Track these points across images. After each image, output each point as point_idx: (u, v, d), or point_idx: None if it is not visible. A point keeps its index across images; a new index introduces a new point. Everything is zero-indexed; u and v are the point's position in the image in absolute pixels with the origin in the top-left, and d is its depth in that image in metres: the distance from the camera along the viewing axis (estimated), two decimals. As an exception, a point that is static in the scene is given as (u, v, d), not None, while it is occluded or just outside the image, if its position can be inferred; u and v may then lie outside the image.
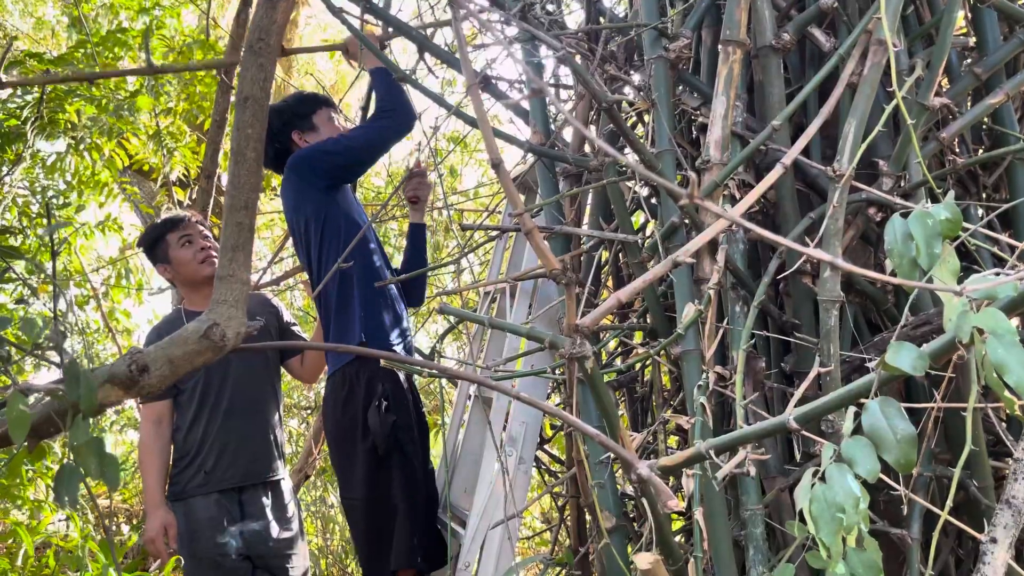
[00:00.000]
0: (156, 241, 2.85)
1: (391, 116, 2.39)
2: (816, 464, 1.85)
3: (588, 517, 2.43)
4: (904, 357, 0.91)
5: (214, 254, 2.80)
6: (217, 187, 4.53)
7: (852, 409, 0.93)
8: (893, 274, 1.00)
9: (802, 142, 1.73)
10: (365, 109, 2.88)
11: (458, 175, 7.63)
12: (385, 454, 2.35)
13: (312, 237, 2.45)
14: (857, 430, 0.95)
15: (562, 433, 2.78)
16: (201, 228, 2.88)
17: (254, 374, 2.78)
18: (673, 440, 2.31)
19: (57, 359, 0.90)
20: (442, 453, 2.73)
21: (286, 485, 2.84)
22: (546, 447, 2.85)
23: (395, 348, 2.43)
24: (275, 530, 2.71)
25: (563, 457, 3.14)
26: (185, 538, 2.66)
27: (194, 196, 5.07)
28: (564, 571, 2.33)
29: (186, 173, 5.14)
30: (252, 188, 0.96)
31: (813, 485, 0.89)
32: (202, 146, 5.17)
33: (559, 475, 3.18)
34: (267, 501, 2.73)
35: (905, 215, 1.00)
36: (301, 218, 2.49)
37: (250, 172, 0.95)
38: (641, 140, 2.17)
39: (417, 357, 2.63)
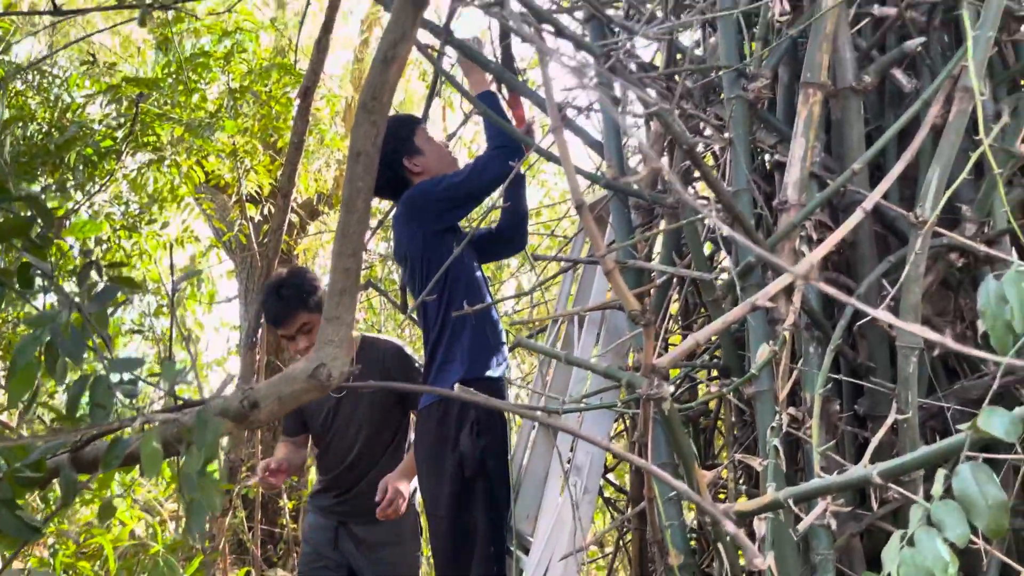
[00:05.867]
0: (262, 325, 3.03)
1: (501, 153, 2.42)
2: (890, 511, 1.83)
3: (652, 550, 2.43)
4: (997, 422, 0.91)
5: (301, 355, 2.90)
6: (292, 208, 4.67)
7: (942, 472, 0.94)
8: (986, 336, 1.00)
9: (883, 186, 1.72)
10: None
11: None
12: (472, 476, 2.43)
13: (417, 275, 2.55)
14: (947, 491, 0.95)
15: (625, 463, 2.79)
16: (304, 325, 2.84)
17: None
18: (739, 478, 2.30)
19: (184, 395, 0.96)
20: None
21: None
22: (608, 475, 2.86)
23: (496, 372, 2.51)
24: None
25: (624, 486, 3.14)
26: None
27: (267, 212, 5.23)
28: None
29: (259, 190, 5.31)
30: (360, 236, 1.01)
31: (902, 548, 0.90)
32: (276, 163, 5.33)
33: (618, 503, 3.18)
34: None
35: (999, 277, 1.00)
36: (409, 254, 2.59)
37: (359, 222, 1.00)
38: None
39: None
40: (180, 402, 1.06)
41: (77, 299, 1.03)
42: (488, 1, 1.20)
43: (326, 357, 1.00)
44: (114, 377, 0.98)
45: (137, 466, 1.08)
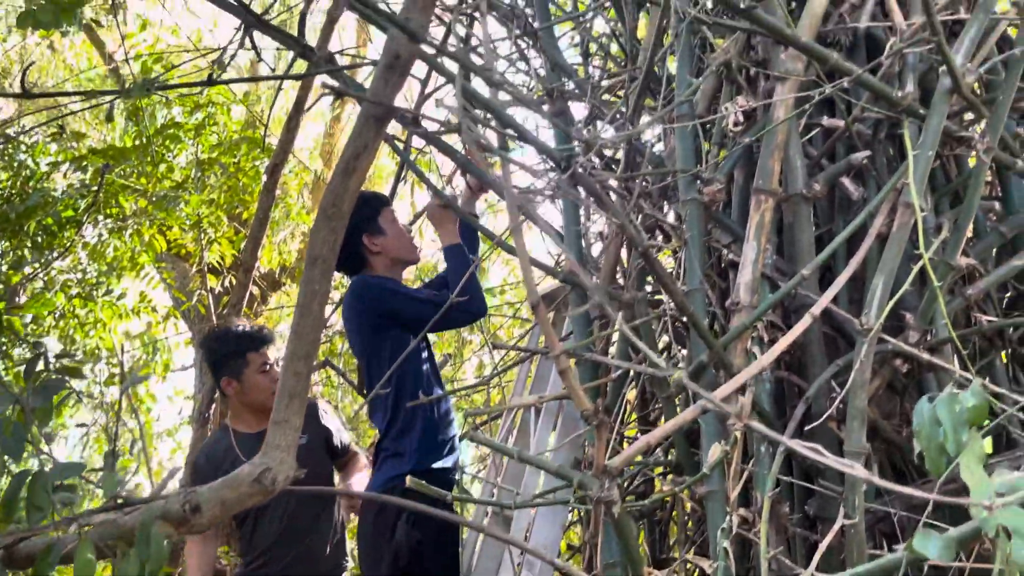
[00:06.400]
0: (233, 356, 2.77)
1: (465, 303, 2.41)
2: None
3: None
4: (931, 545, 0.93)
5: None
6: (253, 279, 4.66)
7: (880, 593, 0.95)
8: (921, 456, 1.03)
9: (831, 293, 1.78)
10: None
11: (485, 272, 7.76)
12: (407, 567, 2.39)
13: (363, 364, 2.55)
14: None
15: (578, 555, 2.76)
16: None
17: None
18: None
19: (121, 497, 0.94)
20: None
21: None
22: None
23: (445, 464, 2.49)
24: None
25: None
26: None
27: (227, 284, 5.20)
28: None
29: (220, 261, 5.29)
30: (313, 340, 1.02)
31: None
32: (240, 235, 5.33)
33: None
34: None
35: (932, 399, 1.04)
36: (355, 337, 2.60)
37: (313, 326, 1.01)
38: (672, 274, 2.24)
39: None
40: (120, 499, 1.04)
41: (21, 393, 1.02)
42: (449, 124, 1.25)
43: (272, 461, 0.99)
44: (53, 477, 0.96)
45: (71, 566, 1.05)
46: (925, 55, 1.98)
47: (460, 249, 2.55)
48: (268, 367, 2.75)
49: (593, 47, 3.10)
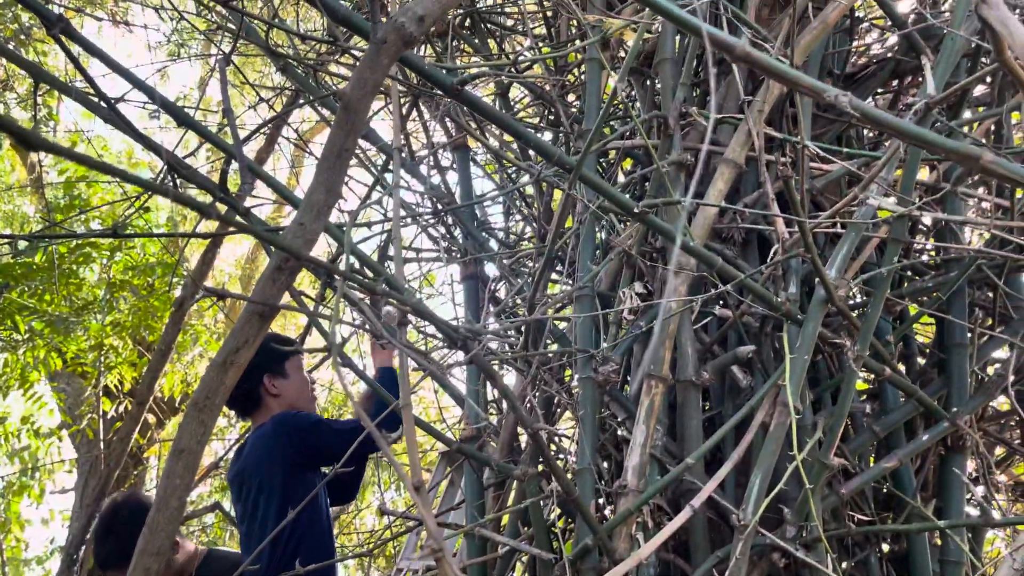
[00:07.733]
0: None
1: (382, 426, 2.41)
2: None
3: None
4: None
5: None
6: (151, 406, 4.48)
7: None
8: None
9: (712, 484, 1.82)
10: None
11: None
12: None
13: (265, 504, 2.38)
14: None
15: None
16: None
17: None
18: None
19: None
20: None
21: None
22: None
23: None
24: None
25: None
26: None
27: (122, 409, 4.98)
28: None
29: (119, 384, 5.08)
30: (168, 535, 0.99)
31: None
32: (143, 359, 5.16)
33: None
34: None
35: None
36: (268, 476, 2.42)
37: (170, 520, 0.98)
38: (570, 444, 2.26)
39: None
40: None
41: None
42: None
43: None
44: None
45: None
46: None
47: (392, 371, 2.52)
48: None
49: (514, 207, 3.24)
